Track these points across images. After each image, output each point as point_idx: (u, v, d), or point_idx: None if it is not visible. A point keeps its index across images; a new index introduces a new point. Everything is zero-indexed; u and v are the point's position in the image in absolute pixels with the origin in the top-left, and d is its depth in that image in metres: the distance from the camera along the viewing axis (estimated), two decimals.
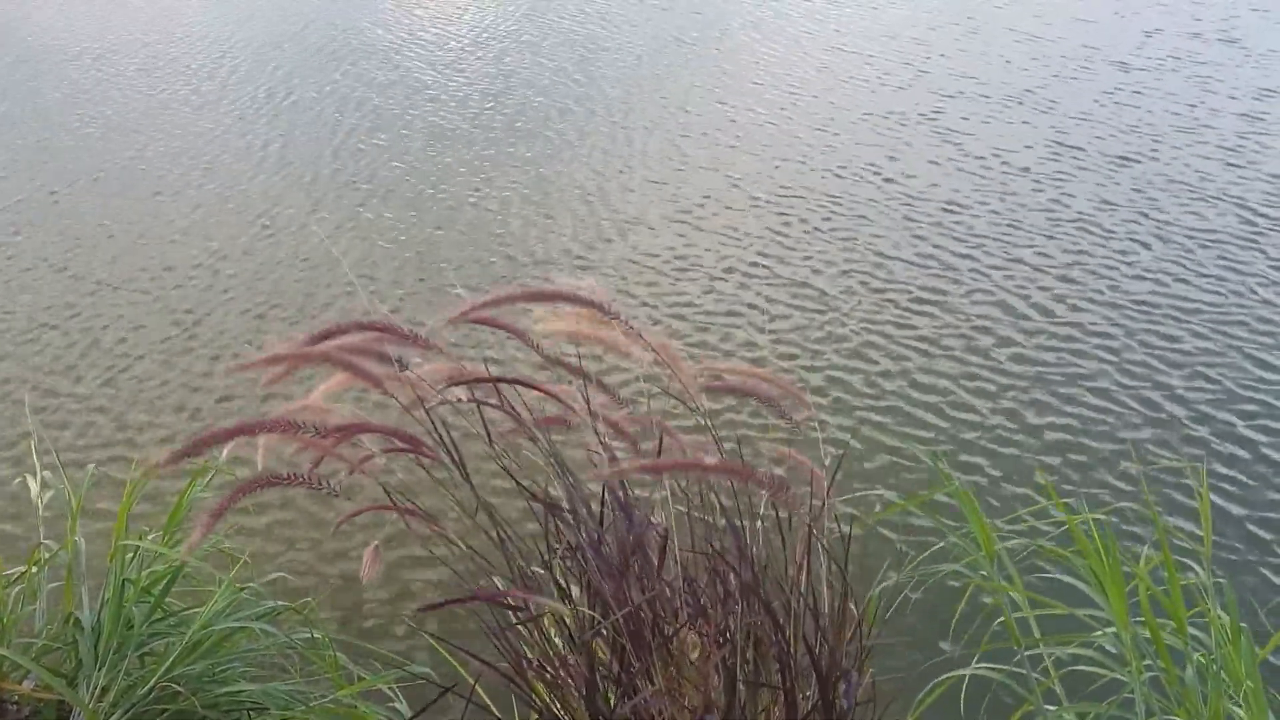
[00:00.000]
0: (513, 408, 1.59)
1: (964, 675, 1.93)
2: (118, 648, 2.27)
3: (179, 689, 2.23)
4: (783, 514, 1.64)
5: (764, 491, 1.32)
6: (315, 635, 2.44)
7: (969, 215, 5.99)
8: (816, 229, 5.94)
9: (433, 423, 1.60)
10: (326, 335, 1.50)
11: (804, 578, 1.56)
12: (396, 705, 2.38)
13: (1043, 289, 5.23)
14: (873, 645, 1.64)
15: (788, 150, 7.01)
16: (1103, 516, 1.72)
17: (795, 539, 1.66)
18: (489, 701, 2.11)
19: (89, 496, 2.62)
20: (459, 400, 1.53)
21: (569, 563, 1.56)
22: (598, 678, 1.52)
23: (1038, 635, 1.86)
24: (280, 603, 2.51)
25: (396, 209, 6.52)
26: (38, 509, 2.55)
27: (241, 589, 2.43)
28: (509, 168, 6.98)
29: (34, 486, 2.55)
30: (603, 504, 1.60)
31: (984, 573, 1.77)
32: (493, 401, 1.58)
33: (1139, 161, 6.50)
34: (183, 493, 2.51)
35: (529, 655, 1.68)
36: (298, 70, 9.21)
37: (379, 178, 6.99)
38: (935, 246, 5.68)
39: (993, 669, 1.88)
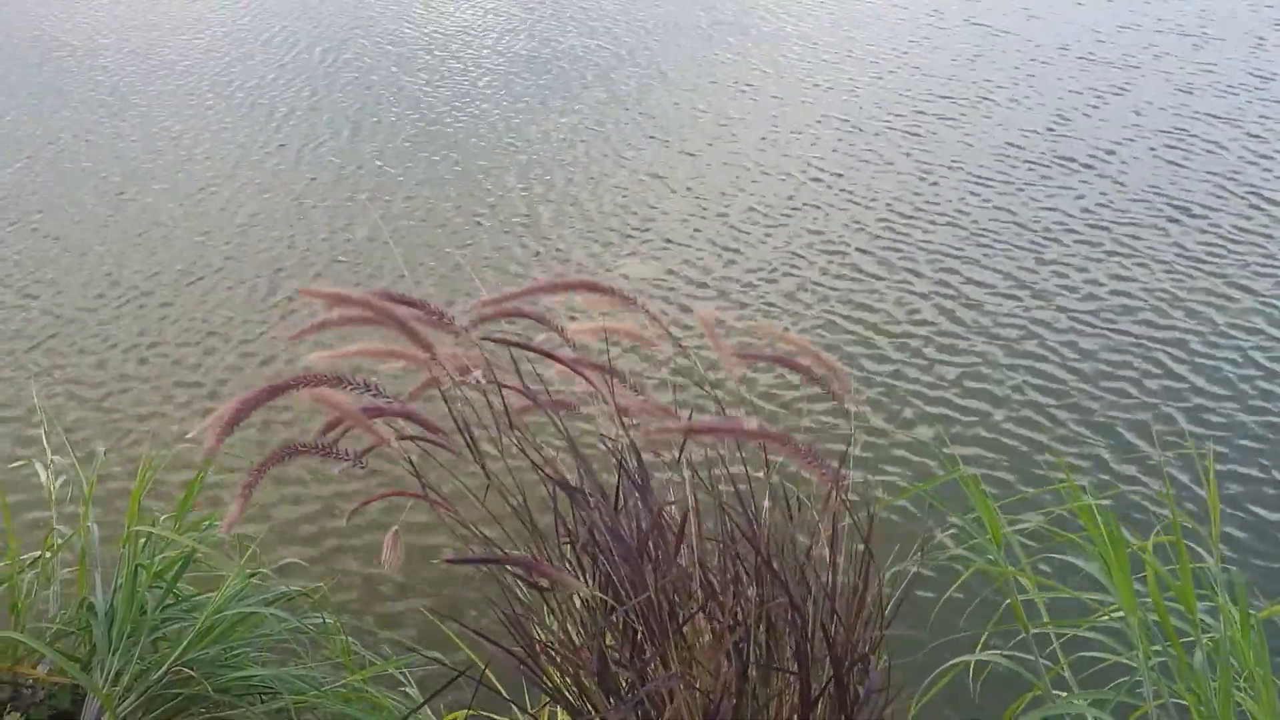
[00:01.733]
0: (530, 391, 1.60)
1: (971, 661, 1.94)
2: (131, 632, 2.28)
3: (192, 673, 2.24)
4: (794, 498, 1.65)
5: (810, 471, 1.33)
6: (326, 620, 2.45)
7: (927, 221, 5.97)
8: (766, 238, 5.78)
9: (448, 406, 1.61)
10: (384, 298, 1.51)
11: (826, 559, 1.57)
12: (408, 689, 2.39)
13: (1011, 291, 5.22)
14: (885, 631, 1.65)
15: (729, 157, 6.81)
16: (1107, 501, 1.72)
17: (811, 522, 1.67)
18: (499, 687, 2.12)
19: (100, 482, 2.64)
20: (482, 382, 1.54)
21: (583, 546, 1.57)
22: (610, 661, 1.53)
23: (1045, 619, 1.87)
24: (291, 588, 2.53)
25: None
26: (50, 494, 2.56)
27: (252, 574, 2.44)
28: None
29: (43, 472, 2.57)
30: (618, 488, 1.61)
31: (990, 557, 1.78)
32: (512, 385, 1.59)
33: (1092, 167, 6.39)
34: (194, 478, 2.52)
35: (541, 638, 1.69)
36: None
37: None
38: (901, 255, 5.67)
39: (1002, 655, 1.89)
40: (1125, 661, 1.86)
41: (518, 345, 1.56)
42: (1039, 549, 2.01)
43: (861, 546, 1.63)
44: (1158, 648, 1.77)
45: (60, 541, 2.52)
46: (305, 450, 1.40)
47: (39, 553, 2.53)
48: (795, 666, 1.45)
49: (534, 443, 1.59)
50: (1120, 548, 1.73)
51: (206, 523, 2.54)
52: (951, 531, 1.94)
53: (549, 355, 1.54)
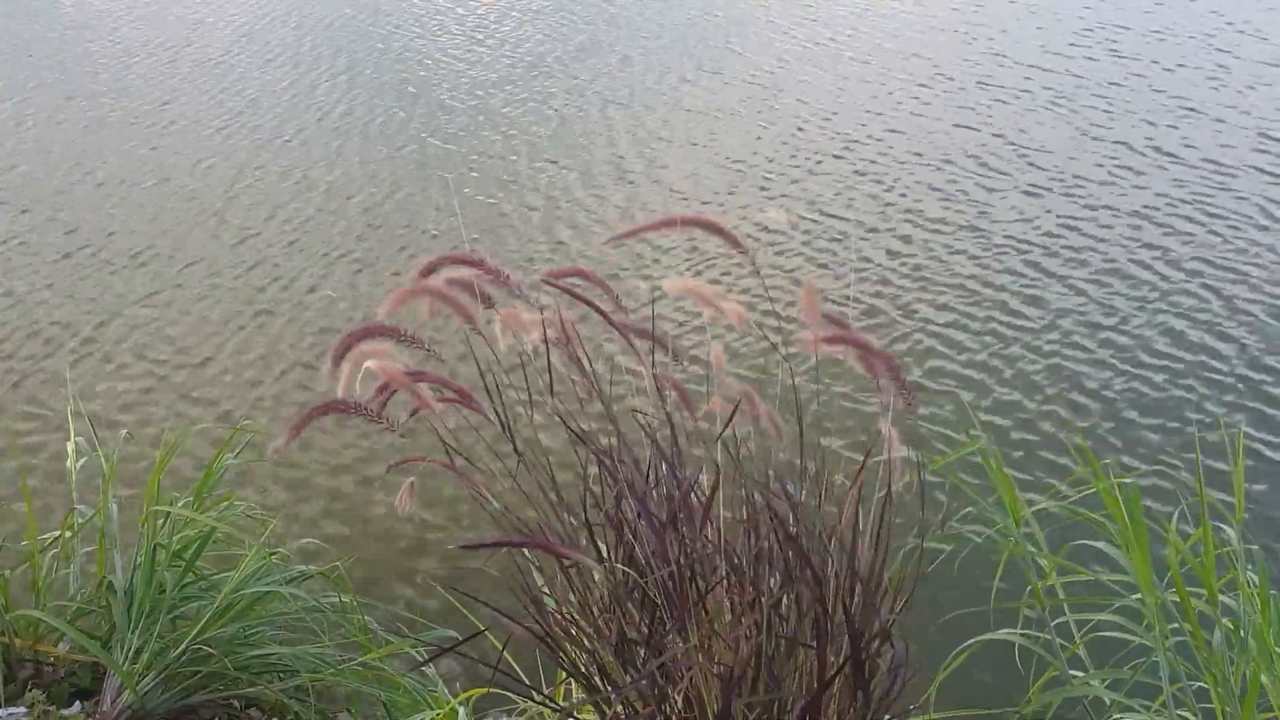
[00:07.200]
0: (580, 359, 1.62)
1: (990, 640, 1.93)
2: (150, 611, 2.30)
3: (210, 651, 2.26)
4: (825, 478, 1.65)
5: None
6: (343, 599, 2.46)
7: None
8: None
9: (481, 375, 1.62)
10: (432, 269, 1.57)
11: (849, 536, 1.57)
12: (424, 668, 2.40)
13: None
14: (903, 609, 1.65)
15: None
16: (1129, 479, 1.71)
17: (838, 499, 1.67)
18: (516, 666, 2.12)
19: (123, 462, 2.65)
20: (528, 352, 1.56)
21: (609, 516, 1.57)
22: (629, 637, 1.54)
23: (1062, 598, 1.86)
24: (309, 567, 2.54)
25: None
26: (71, 475, 2.58)
27: (271, 554, 2.45)
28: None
29: (69, 452, 2.59)
30: (651, 461, 1.61)
31: (1012, 538, 1.77)
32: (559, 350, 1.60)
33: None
34: (213, 458, 2.53)
35: (560, 613, 1.69)
36: None
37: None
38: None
39: (1021, 634, 1.88)
40: (1146, 643, 1.85)
41: (575, 296, 1.57)
42: (1064, 527, 2.00)
43: (880, 526, 1.63)
44: (1175, 625, 1.76)
45: (81, 521, 2.54)
46: (350, 408, 1.44)
47: (59, 532, 2.55)
48: (814, 642, 1.45)
49: (571, 410, 1.60)
50: (1140, 527, 1.72)
51: (225, 503, 2.55)
52: (968, 511, 1.93)
53: (600, 311, 1.55)
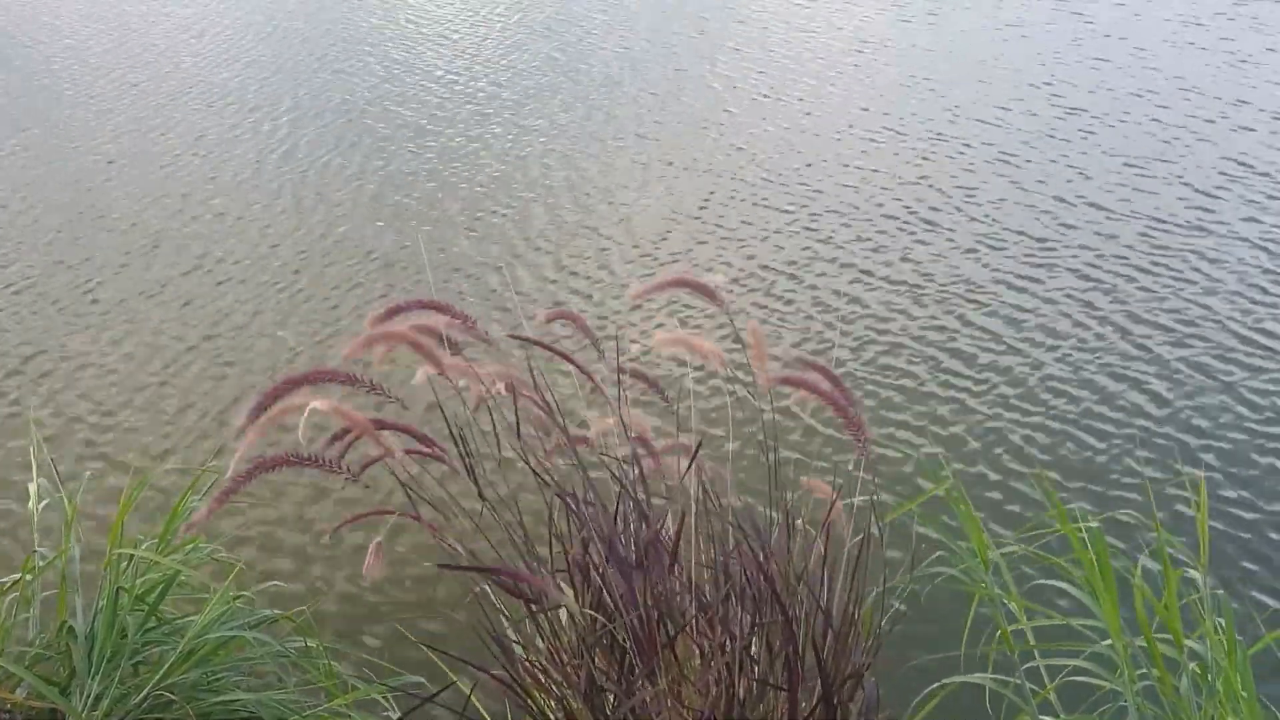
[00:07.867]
0: (546, 404, 1.61)
1: (960, 683, 1.93)
2: (111, 656, 2.26)
3: (173, 697, 2.22)
4: (794, 519, 1.66)
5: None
6: (309, 644, 2.43)
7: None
8: None
9: (447, 423, 1.61)
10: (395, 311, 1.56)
11: (819, 579, 1.57)
12: (390, 715, 2.37)
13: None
14: (875, 653, 1.65)
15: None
16: (1096, 524, 1.72)
17: (806, 542, 1.67)
18: (483, 711, 2.10)
19: (84, 504, 2.61)
20: (498, 394, 1.56)
21: (576, 561, 1.57)
22: (599, 681, 1.53)
23: (1033, 642, 1.86)
24: (274, 611, 2.50)
25: None
26: (33, 517, 2.54)
27: (236, 597, 2.42)
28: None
29: (31, 494, 2.55)
30: (618, 504, 1.61)
31: (981, 581, 1.78)
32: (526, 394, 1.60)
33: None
34: (179, 500, 2.50)
35: (528, 659, 1.68)
36: None
37: None
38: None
39: (989, 678, 1.88)
40: (1115, 688, 1.86)
41: (540, 345, 1.57)
42: (1031, 573, 2.00)
43: (854, 568, 1.63)
44: (1143, 671, 1.77)
45: (41, 564, 2.49)
46: (301, 461, 1.42)
47: (18, 575, 2.50)
48: (785, 684, 1.45)
49: (538, 455, 1.60)
50: (1108, 573, 1.73)
51: (190, 545, 2.52)
52: (939, 554, 1.93)
53: (567, 358, 1.55)
